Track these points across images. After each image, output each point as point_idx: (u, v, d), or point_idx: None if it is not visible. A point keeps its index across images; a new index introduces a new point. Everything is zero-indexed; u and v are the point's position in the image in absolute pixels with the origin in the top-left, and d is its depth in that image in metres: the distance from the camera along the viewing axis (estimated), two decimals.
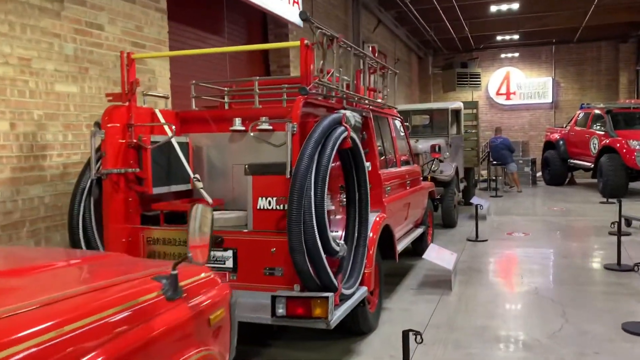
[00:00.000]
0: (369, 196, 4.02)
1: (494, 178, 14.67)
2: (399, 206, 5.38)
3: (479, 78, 17.88)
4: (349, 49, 4.06)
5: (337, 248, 3.48)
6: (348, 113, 3.70)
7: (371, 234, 4.21)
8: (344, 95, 4.09)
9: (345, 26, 11.50)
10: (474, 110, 11.57)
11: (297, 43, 3.50)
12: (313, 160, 3.24)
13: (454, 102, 10.82)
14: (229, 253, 3.69)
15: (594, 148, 13.68)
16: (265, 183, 3.56)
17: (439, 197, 9.15)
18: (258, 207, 3.61)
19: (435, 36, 15.78)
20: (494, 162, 14.59)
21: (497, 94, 18.96)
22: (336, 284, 3.38)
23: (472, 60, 18.08)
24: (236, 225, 3.83)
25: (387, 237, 4.69)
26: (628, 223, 8.85)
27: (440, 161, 9.27)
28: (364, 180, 3.93)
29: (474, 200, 10.34)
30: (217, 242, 3.71)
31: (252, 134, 3.81)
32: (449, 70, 17.79)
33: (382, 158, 5.19)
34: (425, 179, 7.84)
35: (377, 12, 12.96)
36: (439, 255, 5.84)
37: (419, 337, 2.90)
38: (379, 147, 5.13)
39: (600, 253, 7.25)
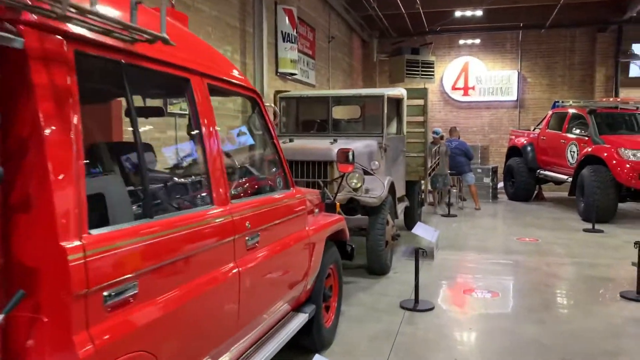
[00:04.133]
0: None
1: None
2: (170, 318, 2.02)
3: (433, 68, 14.82)
4: None
5: None
6: None
7: None
8: None
9: None
10: (422, 102, 8.40)
11: None
12: None
13: (393, 89, 7.60)
14: None
15: (572, 157, 10.81)
16: None
17: (363, 229, 5.94)
18: None
19: (380, 11, 12.59)
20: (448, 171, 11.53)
21: (453, 88, 15.98)
22: None
23: (424, 47, 15.00)
24: None
25: None
26: None
27: (367, 173, 6.04)
28: None
29: (418, 229, 7.15)
30: None
31: None
32: (397, 57, 14.66)
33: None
34: (330, 207, 4.54)
35: None
36: None
37: None
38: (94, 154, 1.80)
39: (623, 352, 4.11)
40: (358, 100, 7.67)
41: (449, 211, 10.58)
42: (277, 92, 7.62)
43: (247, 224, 2.45)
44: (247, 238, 2.46)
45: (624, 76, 14.24)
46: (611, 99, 12.68)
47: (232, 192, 2.57)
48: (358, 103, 7.86)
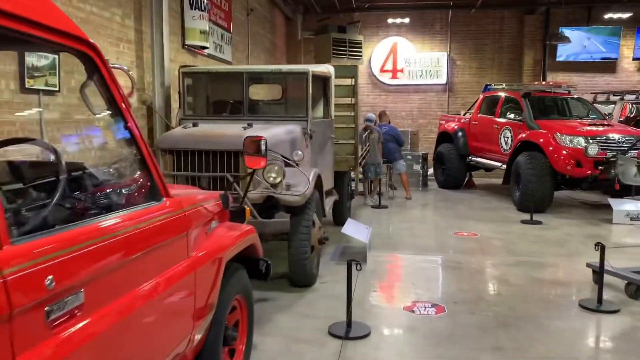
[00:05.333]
0: None
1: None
2: None
3: (361, 48, 13.94)
4: None
5: None
6: None
7: None
8: None
9: None
10: (352, 81, 7.42)
11: None
12: None
13: (319, 65, 6.56)
14: None
15: (506, 143, 10.29)
16: None
17: (285, 233, 4.88)
18: None
19: None
20: None
21: (382, 70, 15.19)
22: None
23: (352, 25, 14.07)
24: None
25: None
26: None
27: (289, 165, 5.01)
28: None
29: (348, 227, 6.21)
30: None
31: None
32: (323, 35, 13.63)
33: None
34: (237, 214, 3.41)
35: None
36: None
37: None
38: None
39: None
40: (279, 78, 6.55)
41: (379, 202, 9.75)
42: (182, 66, 6.37)
43: (47, 281, 1.31)
44: (48, 307, 1.32)
45: (551, 60, 14.02)
46: (543, 82, 12.37)
47: (31, 222, 1.41)
48: (279, 82, 6.76)
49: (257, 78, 6.57)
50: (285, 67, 6.43)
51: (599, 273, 4.63)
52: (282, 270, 5.22)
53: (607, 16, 13.67)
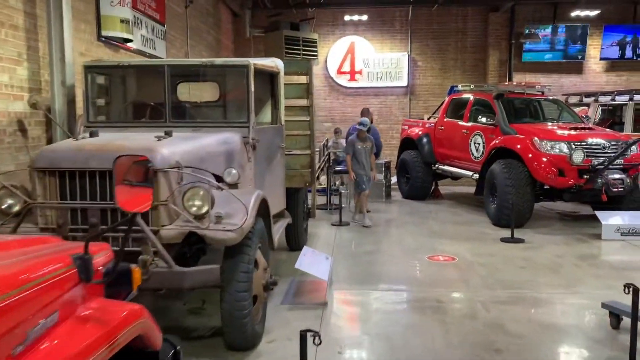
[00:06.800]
0: None
1: (336, 189, 9.67)
2: None
3: (316, 47, 12.78)
4: None
5: None
6: None
7: None
8: None
9: None
10: (305, 79, 6.19)
11: None
12: None
13: (264, 59, 5.27)
14: None
15: (477, 150, 9.29)
16: None
17: (221, 276, 3.59)
18: None
19: None
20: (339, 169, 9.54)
21: (339, 72, 14.03)
22: None
23: (305, 22, 12.88)
24: None
25: None
26: (617, 320, 4.19)
27: (220, 188, 3.74)
28: None
29: (304, 261, 4.95)
30: None
31: None
32: (274, 33, 12.38)
33: None
34: (118, 281, 2.10)
35: None
36: None
37: None
38: None
39: None
40: (213, 73, 5.25)
41: (340, 220, 8.54)
42: (93, 61, 5.00)
43: None
44: None
45: (517, 60, 13.23)
46: (514, 83, 11.52)
47: None
48: (214, 79, 5.45)
49: (186, 74, 5.25)
50: (220, 60, 5.13)
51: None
52: (216, 322, 3.95)
53: (573, 14, 12.98)
